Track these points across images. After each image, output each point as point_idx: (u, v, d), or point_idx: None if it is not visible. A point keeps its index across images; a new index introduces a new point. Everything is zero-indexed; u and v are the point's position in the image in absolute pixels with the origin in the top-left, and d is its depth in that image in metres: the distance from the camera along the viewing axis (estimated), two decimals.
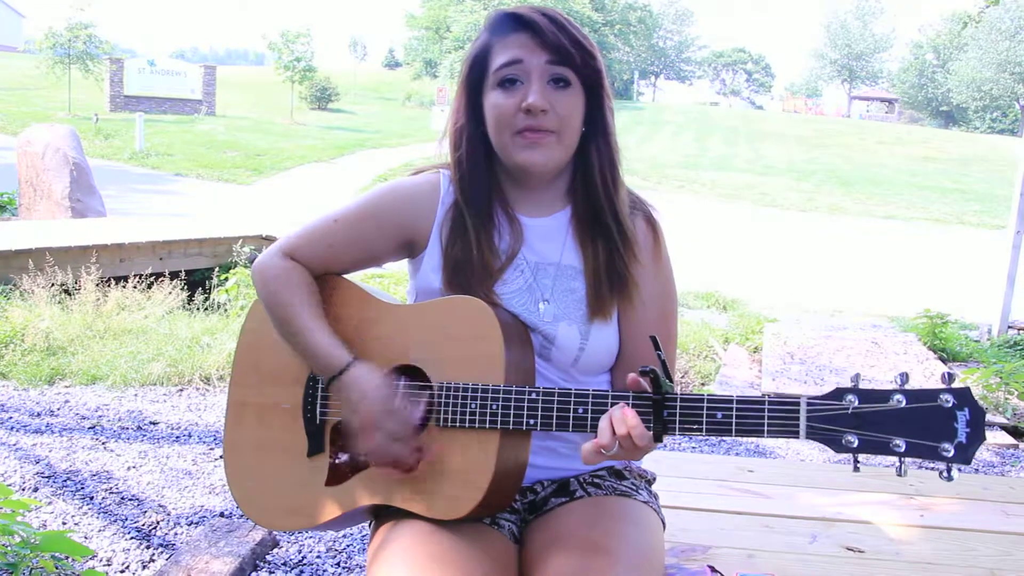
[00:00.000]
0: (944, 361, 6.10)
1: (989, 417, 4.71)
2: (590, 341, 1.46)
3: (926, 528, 2.09)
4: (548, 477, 1.51)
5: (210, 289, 7.24)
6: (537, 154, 1.42)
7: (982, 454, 4.24)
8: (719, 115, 50.82)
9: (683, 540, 1.94)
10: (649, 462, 1.66)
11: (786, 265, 12.50)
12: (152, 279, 6.63)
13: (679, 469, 2.46)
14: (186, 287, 6.93)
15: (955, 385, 1.15)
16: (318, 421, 1.47)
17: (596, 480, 1.51)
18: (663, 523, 1.54)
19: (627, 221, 1.48)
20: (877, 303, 9.12)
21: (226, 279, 7.21)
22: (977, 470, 4.04)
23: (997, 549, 1.98)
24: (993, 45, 55.14)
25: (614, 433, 1.24)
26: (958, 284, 10.92)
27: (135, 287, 6.34)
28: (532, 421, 1.33)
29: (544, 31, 1.39)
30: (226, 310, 6.61)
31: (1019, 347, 6.41)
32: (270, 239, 8.38)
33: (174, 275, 7.20)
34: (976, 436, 1.14)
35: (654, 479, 1.63)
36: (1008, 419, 4.69)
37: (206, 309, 6.62)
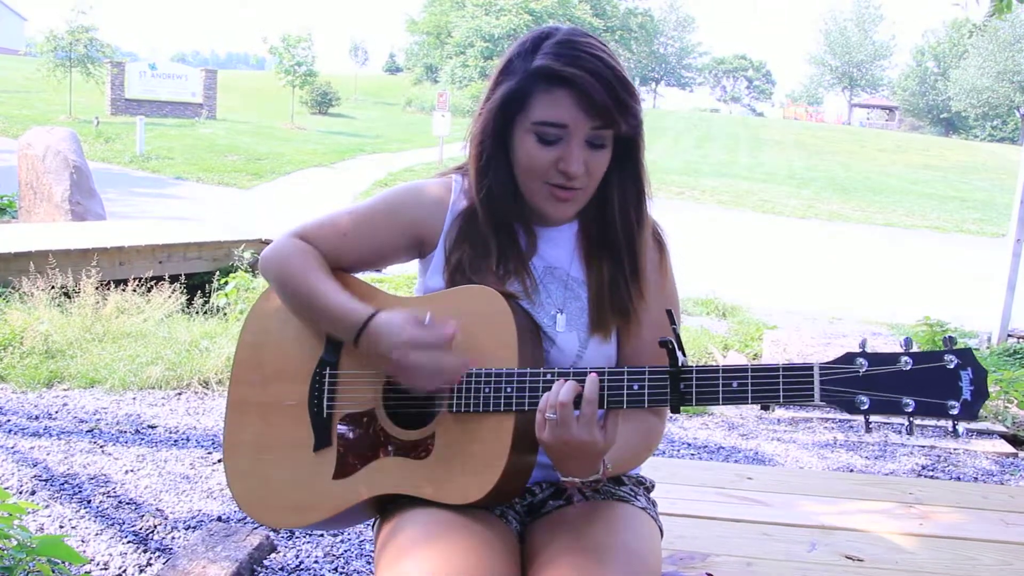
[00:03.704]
0: None
1: (988, 426, 4.70)
2: (588, 350, 1.48)
3: (925, 537, 2.08)
4: (547, 478, 1.52)
5: (209, 293, 7.23)
6: (563, 209, 1.45)
7: (981, 463, 4.23)
8: (720, 122, 50.87)
9: (681, 548, 1.94)
10: (647, 469, 1.66)
11: (786, 272, 12.50)
12: (152, 282, 6.63)
13: (677, 476, 2.45)
14: (185, 291, 6.93)
15: (957, 347, 1.21)
16: (325, 414, 1.47)
17: (594, 485, 1.51)
18: (661, 530, 1.53)
19: (643, 260, 1.50)
20: (876, 310, 9.11)
21: (225, 283, 7.21)
22: (976, 479, 4.03)
23: (997, 559, 1.97)
24: (993, 54, 55.25)
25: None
26: (958, 292, 10.91)
27: (135, 290, 6.33)
28: None
29: (592, 95, 1.34)
30: (225, 314, 6.60)
31: (1019, 355, 6.40)
32: (270, 243, 8.37)
33: (174, 279, 7.20)
34: (980, 394, 1.19)
35: (653, 486, 1.63)
36: (1008, 428, 4.68)
37: (205, 313, 6.61)
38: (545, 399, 1.29)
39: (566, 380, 1.30)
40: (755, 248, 15.14)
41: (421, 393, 1.40)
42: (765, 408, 1.30)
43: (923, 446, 4.42)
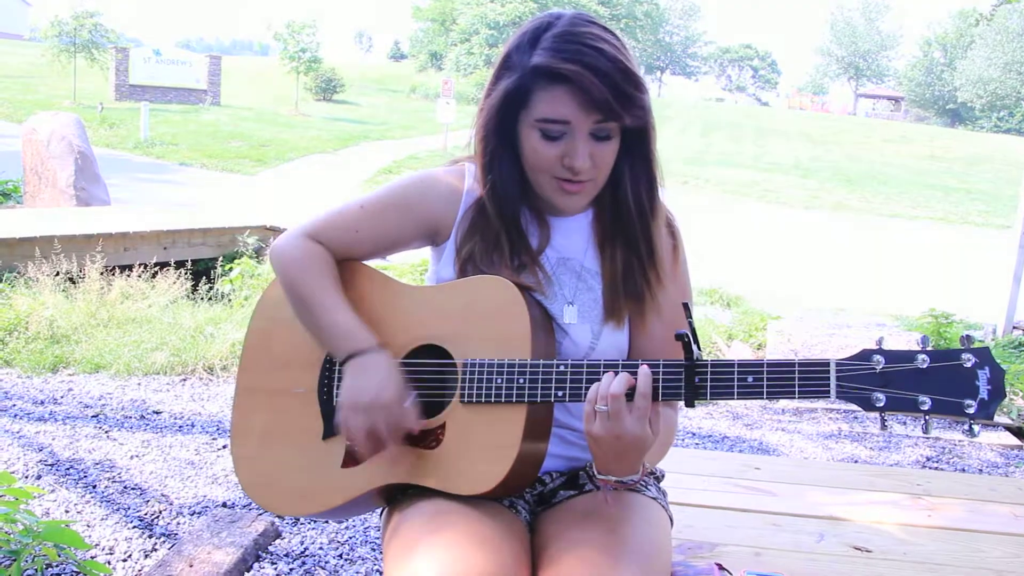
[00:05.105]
0: None
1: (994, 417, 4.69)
2: (601, 341, 1.46)
3: (934, 528, 2.08)
4: (556, 468, 1.51)
5: (214, 279, 7.23)
6: (573, 201, 1.43)
7: (987, 455, 4.23)
8: (725, 111, 50.72)
9: (690, 537, 1.93)
10: None
11: (790, 262, 12.48)
12: (156, 268, 6.63)
13: (686, 466, 2.45)
14: (190, 276, 6.93)
15: (975, 346, 1.19)
16: (335, 402, 1.46)
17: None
18: (671, 520, 1.53)
19: (659, 246, 1.48)
20: (881, 302, 9.09)
21: (230, 269, 7.22)
22: (981, 471, 4.03)
23: (1005, 551, 1.96)
24: (1000, 45, 54.95)
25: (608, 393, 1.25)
26: (963, 284, 10.88)
27: (139, 276, 6.33)
28: (560, 392, 1.32)
29: (591, 91, 1.31)
30: (230, 300, 6.60)
31: None
32: (274, 229, 8.37)
33: (179, 264, 7.20)
34: (997, 393, 1.18)
35: (662, 476, 1.62)
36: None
37: (210, 299, 6.61)
38: (594, 391, 1.26)
39: (616, 372, 1.28)
40: (759, 238, 15.10)
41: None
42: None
43: (928, 437, 4.41)
